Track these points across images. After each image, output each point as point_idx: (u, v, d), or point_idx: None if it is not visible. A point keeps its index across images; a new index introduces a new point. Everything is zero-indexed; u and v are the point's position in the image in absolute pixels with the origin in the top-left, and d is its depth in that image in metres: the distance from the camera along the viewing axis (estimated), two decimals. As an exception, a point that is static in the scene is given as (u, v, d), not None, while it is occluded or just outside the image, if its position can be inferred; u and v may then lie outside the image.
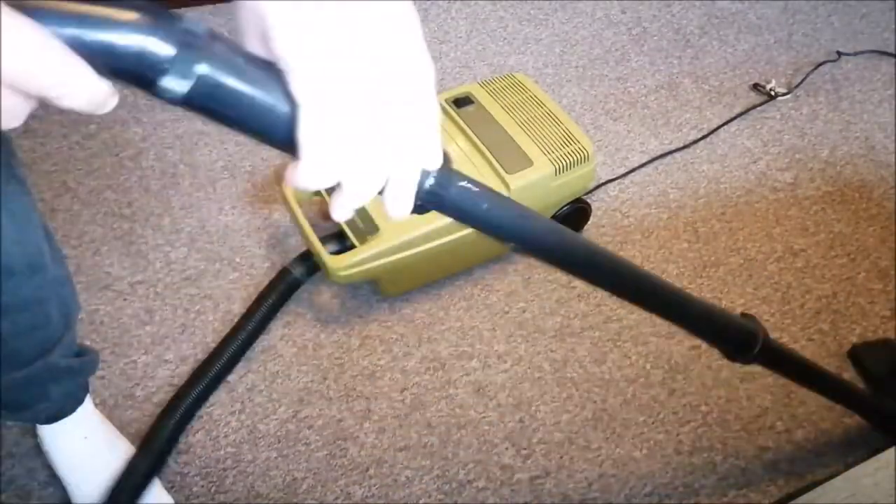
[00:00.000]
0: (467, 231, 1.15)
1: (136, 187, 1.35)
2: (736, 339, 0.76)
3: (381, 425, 1.09)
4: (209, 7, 1.70)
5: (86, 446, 0.97)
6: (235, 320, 1.18)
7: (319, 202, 1.21)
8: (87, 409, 0.98)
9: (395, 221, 1.10)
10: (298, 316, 1.20)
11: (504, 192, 1.15)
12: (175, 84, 0.35)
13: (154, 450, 1.01)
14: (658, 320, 1.24)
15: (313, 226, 1.13)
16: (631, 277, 0.64)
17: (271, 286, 1.17)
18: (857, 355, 1.19)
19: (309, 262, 1.17)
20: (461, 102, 1.25)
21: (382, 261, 1.09)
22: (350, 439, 1.07)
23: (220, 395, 1.10)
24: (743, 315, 0.79)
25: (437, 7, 1.77)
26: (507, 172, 1.15)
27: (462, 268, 1.26)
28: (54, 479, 1.01)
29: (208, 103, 0.36)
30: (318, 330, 1.18)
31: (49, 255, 0.78)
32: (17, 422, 1.03)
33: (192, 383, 1.08)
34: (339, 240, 1.14)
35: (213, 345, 1.15)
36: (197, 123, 1.46)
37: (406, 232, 1.10)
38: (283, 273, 1.17)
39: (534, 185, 1.16)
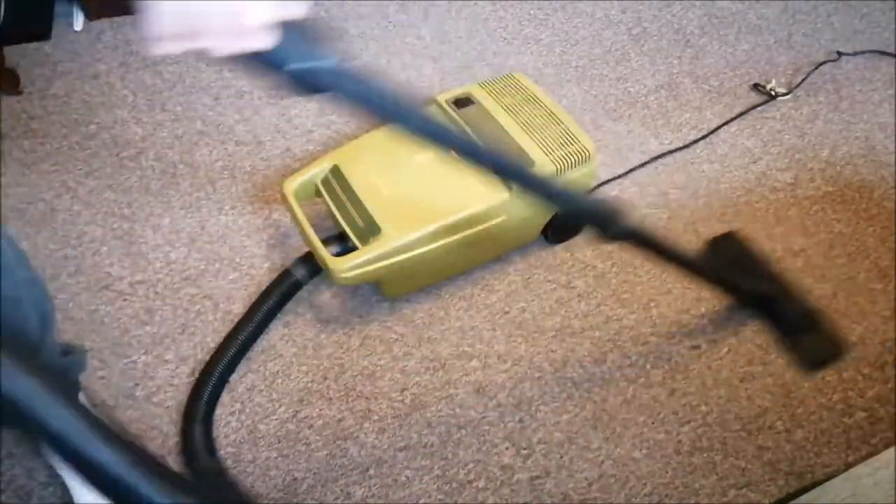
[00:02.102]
0: (469, 232, 1.15)
1: (136, 187, 1.35)
2: (603, 217, 0.89)
3: (382, 425, 1.09)
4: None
5: None
6: (236, 320, 1.18)
7: (320, 203, 1.21)
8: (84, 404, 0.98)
9: (397, 227, 1.10)
10: (298, 316, 1.20)
11: (505, 193, 1.15)
12: None
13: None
14: (659, 321, 1.24)
15: (314, 226, 1.13)
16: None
17: (272, 287, 1.17)
18: (709, 247, 1.31)
19: (310, 264, 1.17)
20: (461, 103, 1.25)
21: (385, 262, 1.09)
22: (350, 439, 1.07)
23: (219, 396, 1.10)
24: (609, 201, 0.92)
25: (437, 7, 1.77)
26: None
27: (464, 269, 1.26)
28: (54, 479, 1.01)
29: None
30: (318, 330, 1.18)
31: (11, 256, 0.78)
32: (14, 428, 1.03)
33: (200, 388, 1.07)
34: (341, 241, 1.14)
35: (213, 345, 1.15)
36: (197, 124, 1.46)
37: (408, 233, 1.10)
38: (285, 275, 1.17)
39: (534, 185, 1.16)
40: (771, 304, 1.19)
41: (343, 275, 1.08)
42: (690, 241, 1.35)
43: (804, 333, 1.16)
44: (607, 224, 0.89)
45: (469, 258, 1.24)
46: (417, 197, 1.14)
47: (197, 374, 1.12)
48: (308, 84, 0.56)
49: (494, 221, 1.16)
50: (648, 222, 1.37)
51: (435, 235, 1.12)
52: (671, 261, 1.04)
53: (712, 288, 1.19)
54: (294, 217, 1.14)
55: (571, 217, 1.28)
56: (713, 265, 1.14)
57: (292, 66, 0.54)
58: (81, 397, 0.98)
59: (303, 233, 1.13)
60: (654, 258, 1.02)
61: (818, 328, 1.17)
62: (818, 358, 1.14)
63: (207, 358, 1.14)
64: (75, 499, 0.97)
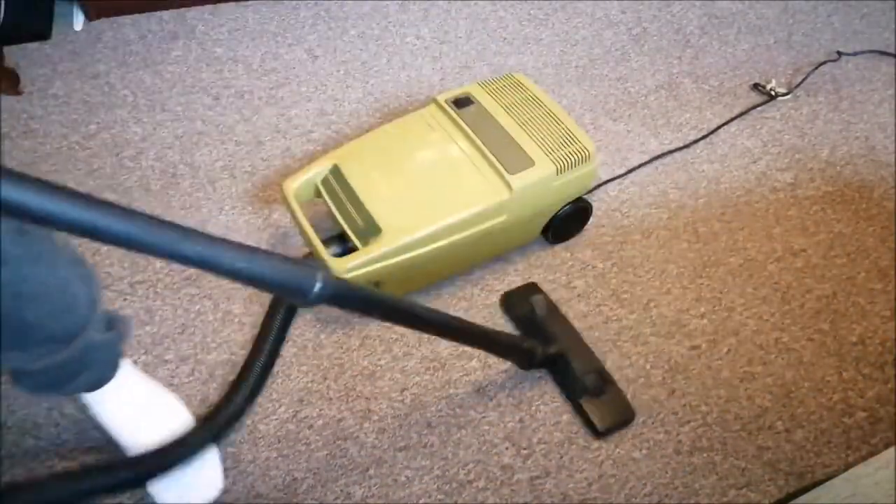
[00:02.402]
0: (470, 232, 1.14)
1: (136, 187, 1.35)
2: (291, 285, 0.65)
3: (381, 425, 1.09)
4: (209, 7, 1.70)
5: (132, 405, 1.00)
6: (235, 320, 1.18)
7: (320, 204, 1.21)
8: (126, 370, 1.00)
9: (398, 224, 1.10)
10: (298, 316, 1.20)
11: (506, 192, 1.15)
12: None
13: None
14: (658, 321, 1.24)
15: (313, 226, 1.13)
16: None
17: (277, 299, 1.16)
18: (506, 302, 1.24)
19: None
20: (461, 103, 1.25)
21: (385, 263, 1.09)
22: (350, 439, 1.07)
23: (220, 395, 1.10)
24: (298, 260, 0.66)
25: (437, 7, 1.77)
26: (509, 173, 1.15)
27: (465, 269, 1.26)
28: (54, 479, 1.01)
29: None
30: (318, 330, 1.18)
31: (58, 240, 0.82)
32: (60, 395, 1.05)
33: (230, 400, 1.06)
34: (341, 242, 1.14)
35: (214, 345, 1.15)
36: (197, 124, 1.46)
37: (408, 233, 1.10)
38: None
39: (536, 184, 1.16)
40: (557, 365, 1.14)
41: (344, 275, 1.08)
42: (689, 241, 1.35)
43: (592, 396, 1.10)
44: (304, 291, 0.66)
45: (470, 258, 1.24)
46: (418, 197, 1.14)
47: (195, 375, 1.12)
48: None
49: (495, 221, 1.16)
50: (648, 222, 1.37)
51: (436, 235, 1.12)
52: (421, 326, 0.90)
53: (489, 352, 1.10)
54: (294, 217, 1.14)
55: (573, 215, 1.29)
56: (475, 327, 0.99)
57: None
58: (125, 364, 1.00)
59: (303, 233, 1.13)
60: (395, 322, 0.89)
61: (608, 391, 1.12)
62: (605, 423, 1.09)
63: (208, 358, 1.14)
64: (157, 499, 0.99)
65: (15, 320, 0.77)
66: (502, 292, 1.23)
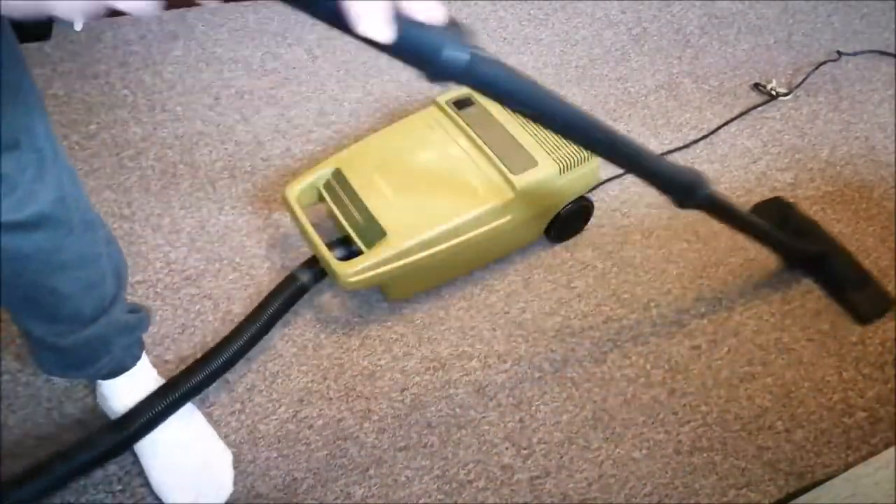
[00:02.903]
0: (475, 233, 1.14)
1: (136, 187, 1.35)
2: (682, 186, 0.94)
3: (381, 425, 1.09)
4: (212, 5, 1.70)
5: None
6: (236, 320, 1.18)
7: (322, 208, 1.21)
8: (145, 364, 1.01)
9: (401, 227, 1.10)
10: (298, 316, 1.20)
11: (510, 193, 1.14)
12: None
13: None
14: (659, 321, 1.24)
15: (315, 226, 1.13)
16: (603, 133, 0.82)
17: (276, 292, 1.16)
18: (755, 212, 1.37)
19: (315, 268, 1.17)
20: (462, 104, 1.25)
21: (391, 266, 1.09)
22: (350, 439, 1.07)
23: (219, 396, 1.10)
24: (689, 169, 0.95)
25: (437, 7, 1.77)
26: (512, 173, 1.15)
27: (469, 270, 1.26)
28: (54, 479, 1.01)
29: None
30: (318, 330, 1.19)
31: (95, 213, 0.84)
32: (80, 378, 1.06)
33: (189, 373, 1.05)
34: (345, 245, 1.14)
35: (214, 345, 1.15)
36: (197, 124, 1.46)
37: (413, 236, 1.10)
38: (290, 279, 1.16)
39: (539, 184, 1.16)
40: (822, 262, 1.29)
41: (350, 279, 1.08)
42: (689, 241, 1.35)
43: (855, 290, 1.27)
44: (686, 193, 0.95)
45: (475, 259, 1.24)
46: (422, 199, 1.14)
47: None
48: (454, 72, 0.58)
49: (500, 222, 1.16)
50: (648, 222, 1.37)
51: (441, 237, 1.12)
52: (741, 225, 1.13)
53: (773, 249, 1.27)
54: (297, 222, 1.14)
55: (575, 214, 1.29)
56: (772, 228, 1.20)
57: (445, 54, 0.56)
58: (145, 358, 1.00)
59: (307, 237, 1.13)
60: (727, 223, 1.11)
61: (867, 284, 1.28)
62: (870, 311, 1.25)
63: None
64: (141, 450, 1.00)
65: (47, 289, 0.78)
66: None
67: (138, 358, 0.99)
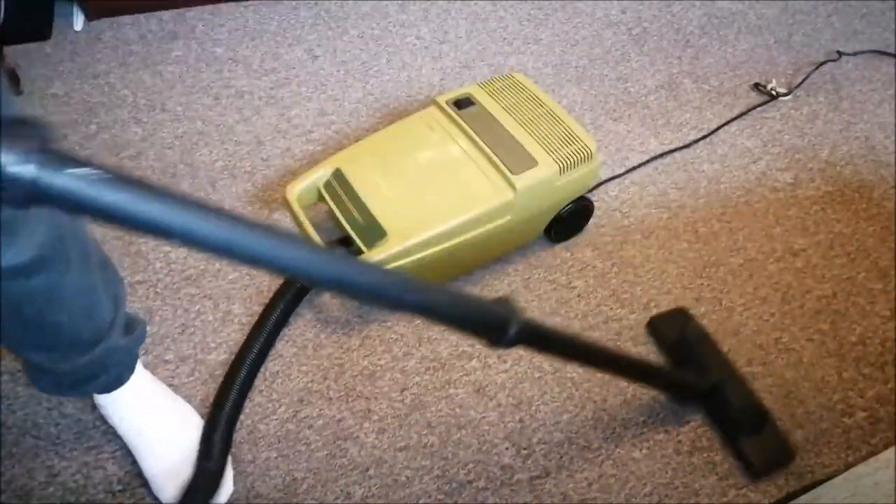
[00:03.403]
0: (475, 233, 1.14)
1: (136, 187, 1.35)
2: (490, 325, 0.71)
3: (381, 425, 1.09)
4: (209, 7, 1.70)
5: (145, 407, 1.00)
6: (235, 320, 1.18)
7: (322, 208, 1.21)
8: (140, 373, 1.00)
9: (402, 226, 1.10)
10: (298, 316, 1.20)
11: (510, 193, 1.14)
12: None
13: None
14: (658, 320, 1.24)
15: (315, 226, 1.13)
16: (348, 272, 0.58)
17: (279, 295, 1.16)
18: (653, 326, 1.20)
19: None
20: (462, 104, 1.25)
21: (391, 265, 1.09)
22: (350, 439, 1.07)
23: (220, 395, 1.10)
24: (496, 301, 0.72)
25: (437, 7, 1.77)
26: (512, 173, 1.15)
27: (470, 270, 1.26)
28: (53, 479, 1.01)
29: None
30: (318, 330, 1.18)
31: (91, 242, 0.83)
32: (74, 396, 1.06)
33: (220, 404, 1.06)
34: (345, 245, 1.14)
35: (213, 345, 1.15)
36: (197, 124, 1.46)
37: (414, 236, 1.09)
38: (290, 281, 1.17)
39: (539, 184, 1.16)
40: (712, 399, 1.09)
41: None
42: (689, 241, 1.35)
43: (748, 435, 1.06)
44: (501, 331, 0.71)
45: (475, 259, 1.24)
46: (422, 199, 1.14)
47: (195, 375, 1.12)
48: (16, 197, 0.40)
49: (500, 221, 1.16)
50: (648, 222, 1.37)
51: (441, 237, 1.11)
52: (581, 358, 0.91)
53: (636, 383, 1.09)
54: (297, 222, 1.14)
55: (575, 214, 1.29)
56: (631, 357, 1.00)
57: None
58: (139, 367, 1.00)
59: (307, 238, 1.13)
60: (559, 357, 0.92)
61: (764, 428, 1.07)
62: (764, 464, 1.05)
63: (208, 358, 1.14)
64: (144, 462, 1.00)
65: (49, 325, 0.79)
66: (648, 316, 1.19)
67: (132, 371, 0.98)
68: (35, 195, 0.40)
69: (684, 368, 1.12)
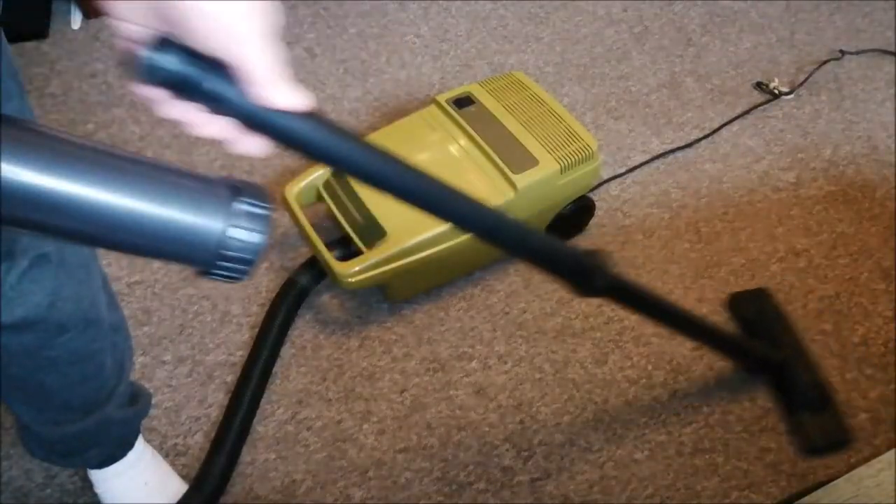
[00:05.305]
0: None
1: (134, 187, 1.34)
2: (580, 273, 0.75)
3: (381, 427, 1.08)
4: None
5: (142, 489, 0.94)
6: (234, 321, 1.17)
7: (322, 207, 1.20)
8: (139, 449, 0.94)
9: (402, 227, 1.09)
10: (297, 317, 1.19)
11: (510, 192, 1.14)
12: None
13: (206, 492, 0.97)
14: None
15: (315, 226, 1.12)
16: (472, 209, 0.63)
17: (280, 298, 1.15)
18: (733, 303, 1.23)
19: (314, 270, 1.16)
20: (462, 103, 1.24)
21: (391, 265, 1.08)
22: (349, 441, 1.07)
23: (218, 397, 1.10)
24: (588, 251, 0.77)
25: (437, 6, 1.76)
26: (513, 172, 1.14)
27: (470, 270, 1.25)
28: (51, 481, 1.01)
29: None
30: (317, 331, 1.18)
31: (105, 303, 0.77)
32: (65, 467, 1.00)
33: (231, 418, 1.03)
34: (345, 245, 1.14)
35: (212, 346, 1.14)
36: (196, 122, 1.46)
37: (414, 235, 1.09)
38: (290, 284, 1.16)
39: (540, 183, 1.15)
40: (780, 373, 1.11)
41: (349, 279, 1.07)
42: (691, 241, 1.34)
43: (811, 412, 1.07)
44: (588, 279, 0.76)
45: (475, 259, 1.24)
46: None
47: (193, 376, 1.11)
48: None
49: (499, 221, 1.15)
50: (650, 222, 1.36)
51: (441, 237, 1.11)
52: (660, 317, 0.93)
53: (709, 349, 1.09)
54: (297, 222, 1.13)
55: (576, 213, 1.28)
56: (707, 323, 1.00)
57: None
58: (139, 442, 0.94)
59: (306, 238, 1.12)
60: (640, 313, 0.92)
61: (827, 408, 1.08)
62: (821, 442, 1.05)
63: (206, 359, 1.13)
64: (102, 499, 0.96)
65: (34, 383, 0.73)
66: (729, 292, 1.21)
67: (131, 447, 0.93)
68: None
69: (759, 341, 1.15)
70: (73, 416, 0.80)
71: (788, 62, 1.71)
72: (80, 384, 0.78)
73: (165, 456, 1.03)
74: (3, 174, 0.36)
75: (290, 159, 1.40)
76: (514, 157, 1.16)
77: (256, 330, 1.14)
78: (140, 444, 0.95)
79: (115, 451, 0.91)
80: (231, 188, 0.44)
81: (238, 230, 0.42)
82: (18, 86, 0.63)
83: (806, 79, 1.65)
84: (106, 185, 0.40)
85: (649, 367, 1.17)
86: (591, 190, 1.30)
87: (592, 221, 1.33)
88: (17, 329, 0.66)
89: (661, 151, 1.48)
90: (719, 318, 1.24)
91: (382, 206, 1.11)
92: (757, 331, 1.17)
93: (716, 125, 1.55)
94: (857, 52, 1.73)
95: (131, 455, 0.93)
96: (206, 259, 0.43)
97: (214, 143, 1.54)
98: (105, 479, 0.93)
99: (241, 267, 0.43)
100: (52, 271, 0.67)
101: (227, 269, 0.43)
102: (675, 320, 0.96)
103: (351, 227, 1.12)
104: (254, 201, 0.44)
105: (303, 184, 1.16)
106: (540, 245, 0.72)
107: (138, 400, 0.91)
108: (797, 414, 1.08)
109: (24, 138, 0.38)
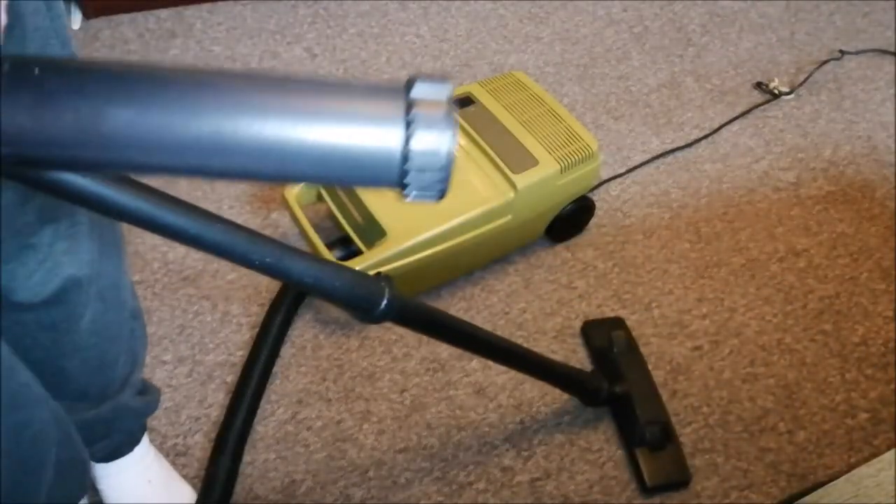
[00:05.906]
0: (475, 233, 1.14)
1: (134, 187, 1.34)
2: (363, 298, 0.66)
3: (381, 427, 1.08)
4: (207, 5, 1.69)
5: (145, 487, 0.94)
6: (234, 321, 1.17)
7: (322, 207, 1.20)
8: (144, 446, 0.95)
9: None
10: (297, 316, 1.19)
11: (510, 192, 1.14)
12: None
13: (216, 497, 0.96)
14: (660, 321, 1.24)
15: (315, 226, 1.12)
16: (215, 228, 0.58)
17: (280, 298, 1.15)
18: (585, 331, 1.19)
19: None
20: (462, 103, 1.24)
21: (391, 266, 1.08)
22: (349, 441, 1.07)
23: (218, 397, 1.10)
24: (367, 276, 0.68)
25: (437, 6, 1.76)
26: (513, 172, 1.14)
27: (470, 270, 1.25)
28: (51, 481, 1.00)
29: None
30: (317, 331, 1.18)
31: (127, 287, 0.78)
32: None
33: (231, 418, 1.03)
34: (345, 245, 1.13)
35: (212, 346, 1.14)
36: (195, 122, 1.46)
37: (413, 236, 1.09)
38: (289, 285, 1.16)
39: (540, 184, 1.15)
40: (622, 407, 1.09)
41: None
42: (691, 241, 1.34)
43: (650, 449, 1.05)
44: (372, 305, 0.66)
45: (475, 259, 1.23)
46: (421, 198, 1.13)
47: (193, 376, 1.11)
48: None
49: (500, 221, 1.15)
50: (650, 222, 1.36)
51: (441, 237, 1.11)
52: (458, 342, 0.86)
53: (551, 384, 1.04)
54: (297, 222, 1.13)
55: (576, 213, 1.28)
56: (520, 349, 0.93)
57: None
58: (144, 441, 0.94)
59: (306, 238, 1.12)
60: (431, 336, 0.83)
61: (667, 447, 1.05)
62: (656, 481, 1.03)
63: (206, 359, 1.13)
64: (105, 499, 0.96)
65: (55, 368, 0.73)
66: (583, 320, 1.19)
67: (138, 442, 0.93)
68: None
69: (603, 373, 1.10)
70: (87, 405, 0.80)
71: (788, 62, 1.71)
72: (98, 370, 0.78)
73: (165, 456, 1.03)
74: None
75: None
76: (514, 157, 1.16)
77: (256, 330, 1.14)
78: (145, 442, 0.95)
79: (122, 443, 0.91)
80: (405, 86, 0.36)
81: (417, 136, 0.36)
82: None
83: (806, 79, 1.65)
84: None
85: (649, 367, 1.17)
86: (591, 190, 1.30)
87: (592, 221, 1.33)
88: (48, 305, 0.65)
89: (661, 151, 1.48)
90: (719, 318, 1.24)
91: (382, 206, 1.11)
92: (604, 362, 1.13)
93: (716, 125, 1.55)
94: (857, 52, 1.73)
95: (136, 452, 0.93)
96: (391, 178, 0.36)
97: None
98: (109, 476, 0.93)
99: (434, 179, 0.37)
100: (87, 244, 0.67)
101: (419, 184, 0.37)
102: (477, 346, 0.87)
103: (351, 227, 1.12)
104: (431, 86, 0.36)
105: (303, 183, 1.16)
106: (322, 274, 0.62)
107: (148, 392, 0.92)
108: (635, 451, 1.05)
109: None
